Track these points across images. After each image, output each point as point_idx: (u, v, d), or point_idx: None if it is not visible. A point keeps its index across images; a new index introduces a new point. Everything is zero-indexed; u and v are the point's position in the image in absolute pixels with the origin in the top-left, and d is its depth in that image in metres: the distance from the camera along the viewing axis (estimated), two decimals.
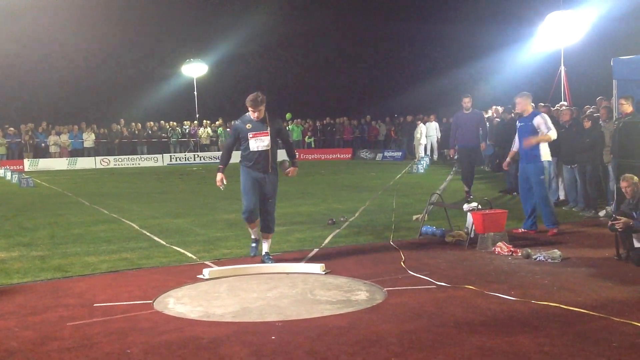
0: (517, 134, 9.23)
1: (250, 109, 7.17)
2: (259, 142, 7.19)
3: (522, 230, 9.02)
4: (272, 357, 4.30)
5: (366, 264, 7.24)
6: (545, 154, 8.87)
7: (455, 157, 14.18)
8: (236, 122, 7.44)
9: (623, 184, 7.15)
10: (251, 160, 7.25)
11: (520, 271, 6.67)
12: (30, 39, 32.96)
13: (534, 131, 8.83)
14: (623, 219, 6.79)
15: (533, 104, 9.64)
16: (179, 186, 18.82)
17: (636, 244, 6.87)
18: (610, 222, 7.04)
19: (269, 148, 7.21)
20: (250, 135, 7.18)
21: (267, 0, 37.17)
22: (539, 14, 20.00)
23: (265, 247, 7.50)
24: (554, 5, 19.12)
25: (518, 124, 9.26)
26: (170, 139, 31.80)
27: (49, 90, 34.33)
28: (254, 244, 7.70)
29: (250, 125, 7.21)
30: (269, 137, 7.20)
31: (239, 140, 7.34)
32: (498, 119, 18.00)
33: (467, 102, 12.82)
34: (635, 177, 7.07)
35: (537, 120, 8.85)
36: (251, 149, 7.21)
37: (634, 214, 6.85)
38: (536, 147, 8.80)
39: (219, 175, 7.34)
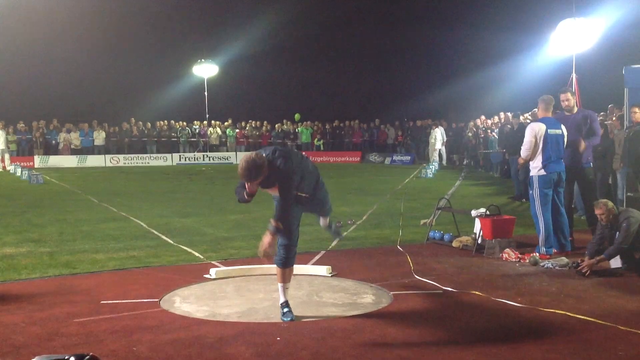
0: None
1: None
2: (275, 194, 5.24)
3: (570, 252, 7.87)
4: (277, 357, 4.31)
5: (373, 267, 7.24)
6: None
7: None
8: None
9: (597, 211, 6.83)
10: None
11: (527, 278, 6.65)
12: (42, 37, 33.16)
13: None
14: (586, 262, 6.71)
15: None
16: (188, 186, 18.87)
17: (612, 265, 6.87)
18: (576, 269, 6.80)
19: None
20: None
21: (278, 2, 37.29)
22: (551, 21, 19.94)
23: (323, 220, 6.30)
24: (566, 12, 19.04)
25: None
26: (179, 139, 31.90)
27: (60, 88, 34.51)
28: (286, 309, 5.28)
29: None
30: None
31: None
32: (509, 126, 17.96)
33: (567, 99, 8.28)
34: (610, 203, 6.82)
35: None
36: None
37: (616, 234, 6.72)
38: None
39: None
